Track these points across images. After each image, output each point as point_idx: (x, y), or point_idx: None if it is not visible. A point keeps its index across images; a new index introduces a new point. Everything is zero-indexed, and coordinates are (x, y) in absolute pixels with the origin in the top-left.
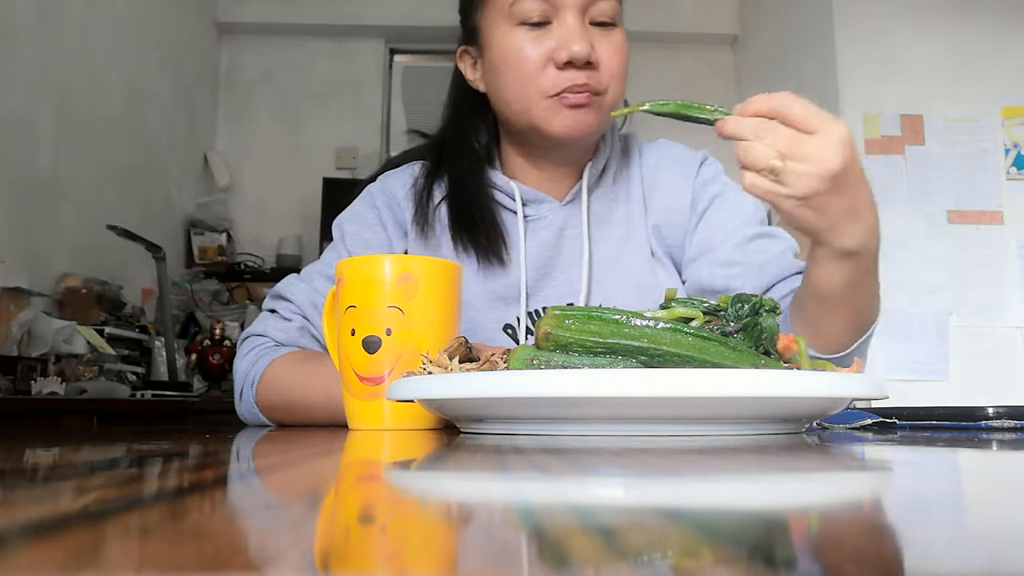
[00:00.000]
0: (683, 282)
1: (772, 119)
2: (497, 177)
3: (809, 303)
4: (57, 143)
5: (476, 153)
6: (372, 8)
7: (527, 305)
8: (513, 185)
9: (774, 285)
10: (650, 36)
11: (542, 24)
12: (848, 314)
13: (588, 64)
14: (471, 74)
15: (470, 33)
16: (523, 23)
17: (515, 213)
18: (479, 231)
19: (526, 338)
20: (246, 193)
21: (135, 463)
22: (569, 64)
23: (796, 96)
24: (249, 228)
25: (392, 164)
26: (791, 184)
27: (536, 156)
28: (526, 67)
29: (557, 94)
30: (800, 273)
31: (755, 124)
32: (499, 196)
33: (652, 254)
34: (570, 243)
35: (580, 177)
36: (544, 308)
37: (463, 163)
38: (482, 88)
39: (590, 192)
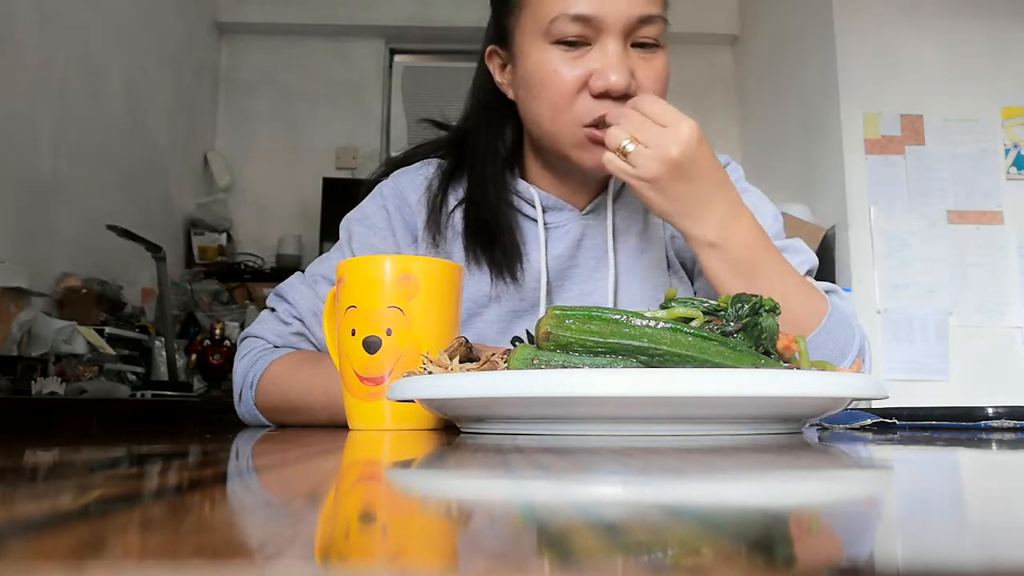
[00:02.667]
0: (695, 292)
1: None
2: (518, 183)
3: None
4: (57, 143)
5: (500, 158)
6: (372, 8)
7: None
8: (534, 191)
9: None
10: None
11: (580, 44)
12: None
13: (625, 95)
14: (499, 76)
15: (501, 34)
16: (560, 42)
17: (534, 221)
18: (495, 245)
19: None
20: (246, 193)
21: (135, 463)
22: (605, 94)
23: (657, 98)
24: (249, 228)
25: (404, 159)
26: (638, 165)
27: (560, 169)
28: (560, 91)
29: (589, 124)
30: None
31: (619, 112)
32: (518, 203)
33: (669, 267)
34: (586, 254)
35: (602, 187)
36: None
37: (487, 169)
38: (510, 94)
39: (613, 203)
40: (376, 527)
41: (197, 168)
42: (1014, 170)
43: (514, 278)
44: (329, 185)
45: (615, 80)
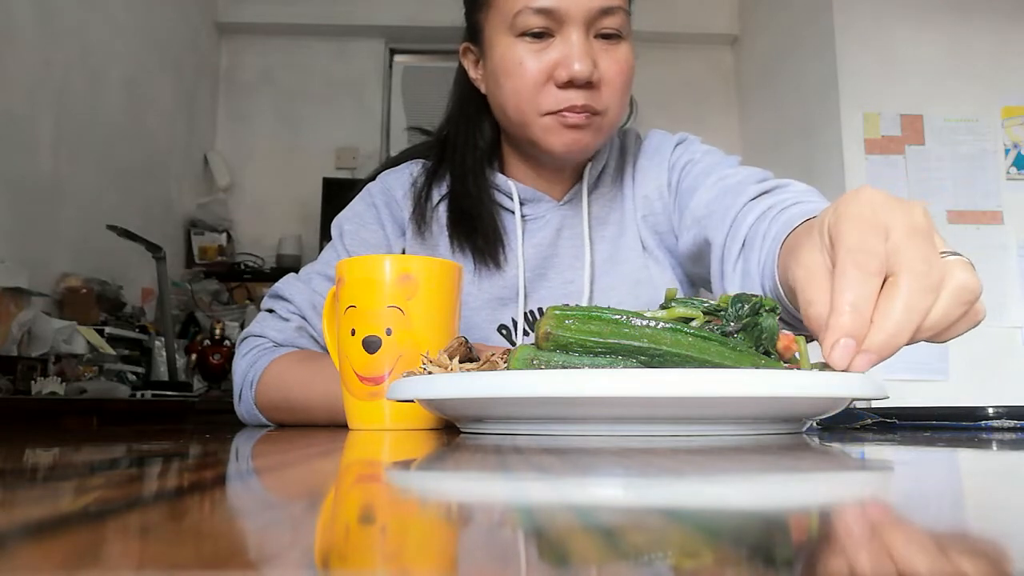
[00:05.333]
0: (679, 264)
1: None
2: (496, 177)
3: None
4: (57, 143)
5: (480, 152)
6: (372, 8)
7: (524, 305)
8: (511, 184)
9: (741, 210)
10: (650, 36)
11: (545, 36)
12: None
13: (589, 84)
14: (473, 72)
15: (473, 31)
16: (525, 35)
17: (513, 213)
18: (477, 232)
19: (522, 338)
20: (246, 193)
21: (135, 463)
22: (569, 83)
23: (865, 260)
24: (249, 228)
25: (391, 163)
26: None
27: (534, 159)
28: (526, 82)
29: (556, 112)
30: (768, 192)
31: (906, 305)
32: (497, 196)
33: (644, 248)
34: (567, 243)
35: (579, 177)
36: (540, 308)
37: (467, 162)
38: (483, 88)
39: (589, 193)
40: (375, 529)
41: (197, 168)
42: (1014, 170)
43: (496, 264)
44: (329, 185)
45: (578, 70)
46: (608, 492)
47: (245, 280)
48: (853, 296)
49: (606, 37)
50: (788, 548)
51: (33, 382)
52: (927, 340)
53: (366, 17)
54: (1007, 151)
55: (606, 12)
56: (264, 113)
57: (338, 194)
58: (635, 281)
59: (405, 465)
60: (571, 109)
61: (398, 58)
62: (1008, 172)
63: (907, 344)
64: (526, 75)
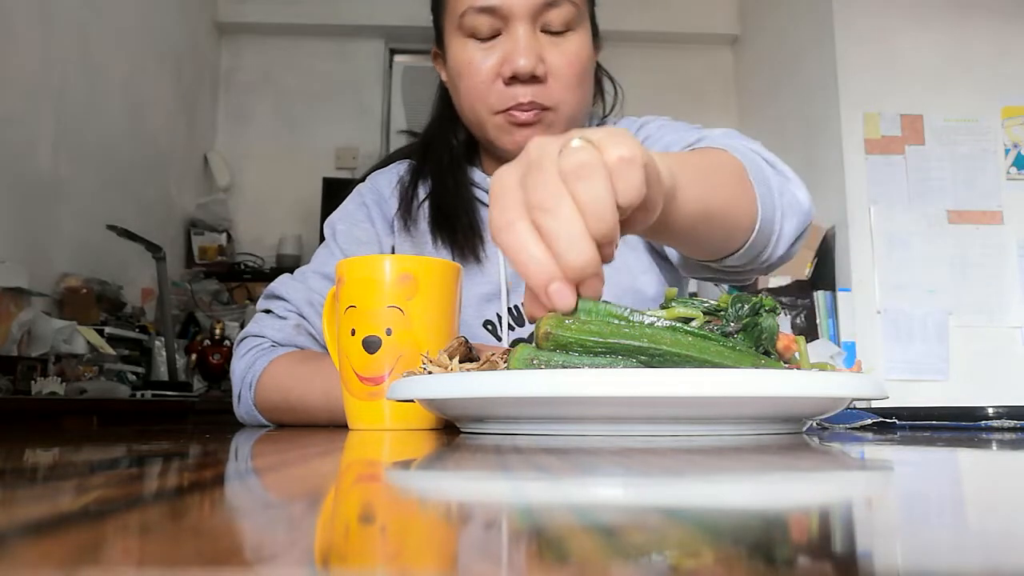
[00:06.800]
0: (649, 243)
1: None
2: (475, 174)
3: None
4: (57, 143)
5: (455, 151)
6: (372, 8)
7: (508, 300)
8: (490, 181)
9: None
10: (650, 36)
11: (493, 35)
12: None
13: (535, 78)
14: (443, 75)
15: (437, 34)
16: (474, 34)
17: None
18: (456, 229)
19: (507, 332)
20: (246, 193)
21: (135, 463)
22: (514, 78)
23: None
24: (249, 228)
25: (381, 164)
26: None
27: (507, 155)
28: (475, 81)
29: (505, 110)
30: (690, 146)
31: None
32: (479, 193)
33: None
34: None
35: None
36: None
37: (444, 160)
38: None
39: None
40: (375, 529)
41: (197, 168)
42: (1014, 170)
43: (476, 258)
44: (329, 185)
45: (522, 64)
46: (608, 492)
47: (245, 280)
48: (518, 254)
49: (555, 31)
50: (788, 548)
51: (33, 382)
52: (632, 229)
53: (366, 17)
54: (1007, 151)
55: (550, 5)
56: (264, 113)
57: (338, 194)
58: (612, 268)
59: (405, 465)
60: (518, 107)
61: (398, 58)
62: (1008, 172)
63: (609, 237)
64: (475, 74)
